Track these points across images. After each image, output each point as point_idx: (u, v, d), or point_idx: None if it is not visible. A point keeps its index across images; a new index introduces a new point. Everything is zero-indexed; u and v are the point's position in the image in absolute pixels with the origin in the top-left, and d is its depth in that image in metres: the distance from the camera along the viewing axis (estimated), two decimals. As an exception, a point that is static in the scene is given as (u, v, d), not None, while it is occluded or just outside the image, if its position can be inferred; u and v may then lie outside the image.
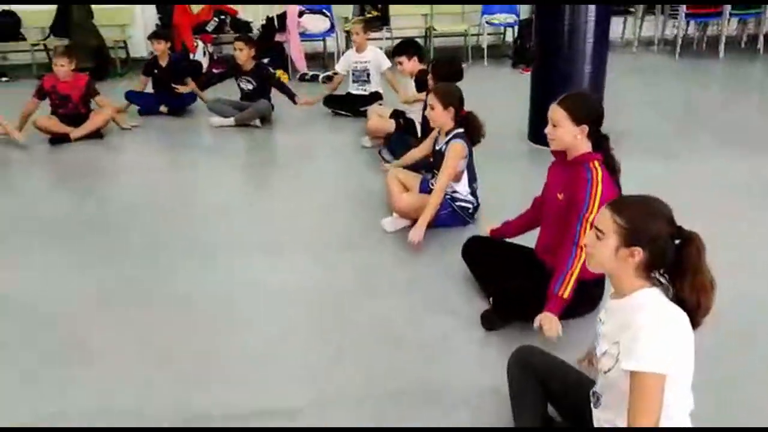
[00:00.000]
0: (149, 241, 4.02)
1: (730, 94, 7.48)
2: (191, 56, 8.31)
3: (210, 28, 8.66)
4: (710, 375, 2.18)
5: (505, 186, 4.61)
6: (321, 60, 8.88)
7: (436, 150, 4.04)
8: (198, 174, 5.31)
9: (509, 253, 3.27)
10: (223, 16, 8.71)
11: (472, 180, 4.01)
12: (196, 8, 8.77)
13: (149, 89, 6.89)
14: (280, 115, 6.50)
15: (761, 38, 9.03)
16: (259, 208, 4.53)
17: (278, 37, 8.44)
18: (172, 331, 3.07)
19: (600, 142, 2.87)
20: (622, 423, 1.82)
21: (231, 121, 6.27)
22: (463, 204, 3.98)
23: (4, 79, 8.68)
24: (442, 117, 3.90)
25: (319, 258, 3.74)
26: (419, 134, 5.11)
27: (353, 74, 6.56)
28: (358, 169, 5.22)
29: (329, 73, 7.82)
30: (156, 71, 6.75)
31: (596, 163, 2.80)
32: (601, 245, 1.89)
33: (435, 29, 8.93)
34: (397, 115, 5.62)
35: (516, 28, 8.89)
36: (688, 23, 9.27)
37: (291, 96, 6.27)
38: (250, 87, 6.37)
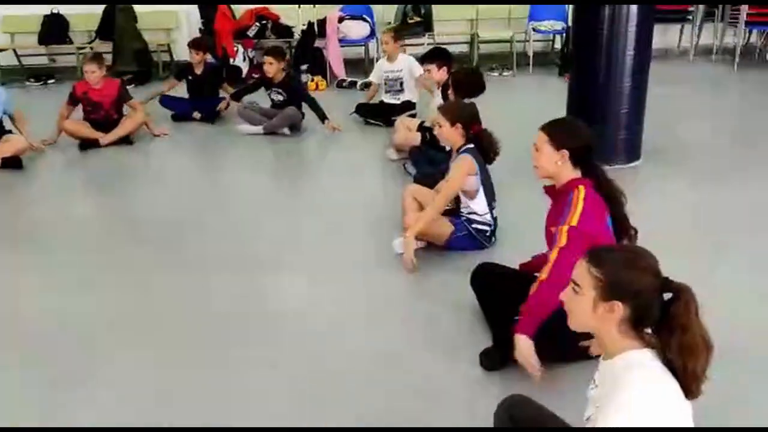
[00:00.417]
0: (170, 255, 3.94)
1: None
2: (231, 61, 8.28)
3: (251, 33, 8.59)
4: None
5: (535, 207, 4.33)
6: (361, 66, 8.72)
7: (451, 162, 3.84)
8: (222, 184, 5.24)
9: (520, 282, 3.02)
10: (264, 21, 8.63)
11: (490, 200, 3.78)
12: (238, 13, 8.77)
13: (183, 94, 6.87)
14: (310, 122, 6.37)
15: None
16: (273, 222, 4.38)
17: (317, 43, 8.33)
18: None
19: (591, 170, 2.71)
20: None
21: (259, 129, 6.18)
22: (480, 226, 3.75)
23: (51, 81, 8.83)
24: (450, 134, 3.73)
25: (324, 280, 3.57)
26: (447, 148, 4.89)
27: (386, 84, 6.42)
28: (383, 182, 5.05)
29: (368, 80, 7.65)
30: (190, 77, 6.72)
31: (581, 187, 2.64)
32: (578, 300, 1.71)
33: (479, 35, 8.67)
34: (423, 128, 5.41)
35: (564, 35, 8.55)
36: (750, 31, 8.75)
37: (321, 116, 6.12)
38: (281, 98, 6.26)
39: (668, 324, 1.62)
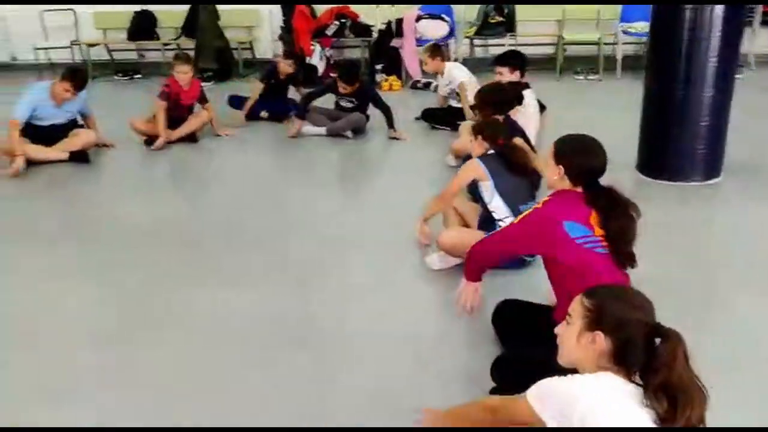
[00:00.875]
0: (228, 258, 3.85)
1: None
2: (307, 60, 8.24)
3: (330, 32, 8.54)
4: None
5: None
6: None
7: None
8: (280, 185, 5.14)
9: (548, 321, 2.73)
10: (343, 20, 8.56)
11: (514, 209, 3.47)
12: (319, 11, 8.73)
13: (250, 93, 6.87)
14: (374, 124, 6.22)
15: None
16: (318, 228, 4.24)
17: (394, 42, 8.16)
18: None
19: (593, 190, 2.51)
20: None
21: (323, 130, 6.08)
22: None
23: (137, 76, 9.09)
24: (475, 149, 3.68)
25: (353, 295, 3.40)
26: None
27: (448, 94, 6.25)
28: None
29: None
30: (273, 81, 6.69)
31: (546, 199, 2.57)
32: (567, 330, 1.77)
33: (564, 38, 8.25)
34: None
35: (657, 37, 8.01)
36: None
37: (390, 123, 5.99)
38: (350, 105, 6.15)
39: (652, 366, 1.59)
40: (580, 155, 2.53)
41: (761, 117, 6.23)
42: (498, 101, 4.25)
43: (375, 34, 8.46)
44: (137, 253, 3.93)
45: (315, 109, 6.29)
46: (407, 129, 6.22)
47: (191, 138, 6.05)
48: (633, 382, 1.64)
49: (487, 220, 3.59)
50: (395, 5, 8.37)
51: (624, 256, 2.47)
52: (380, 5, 8.45)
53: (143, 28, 9.07)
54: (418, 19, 8.09)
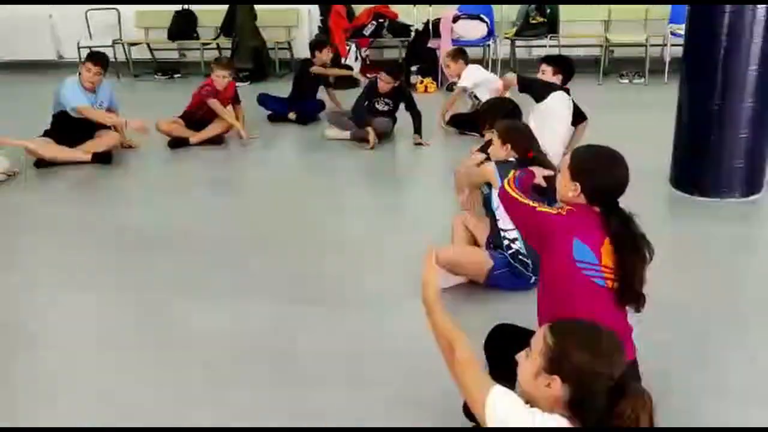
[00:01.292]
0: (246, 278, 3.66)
1: None
2: (342, 61, 8.11)
3: (367, 31, 8.40)
4: None
5: None
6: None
7: None
8: (300, 192, 4.98)
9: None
10: (381, 20, 8.41)
11: None
12: (358, 11, 8.61)
13: (284, 93, 6.79)
14: (402, 128, 6.04)
15: None
16: (327, 237, 4.10)
17: (431, 43, 7.96)
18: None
19: (611, 213, 2.23)
20: None
21: (347, 134, 5.94)
22: (523, 255, 3.27)
23: (177, 75, 9.13)
24: (496, 152, 3.44)
25: (342, 316, 3.24)
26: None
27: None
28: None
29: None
30: (304, 78, 6.62)
31: (568, 208, 2.28)
32: (525, 363, 1.69)
33: (609, 40, 7.90)
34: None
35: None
36: None
37: (417, 128, 5.85)
38: (386, 108, 5.99)
39: (611, 422, 1.51)
40: (601, 173, 2.26)
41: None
42: (491, 115, 3.98)
43: (413, 35, 8.27)
44: (138, 259, 3.87)
45: (340, 112, 6.16)
46: (435, 133, 6.04)
47: (216, 140, 5.99)
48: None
49: (496, 237, 3.40)
50: (432, 5, 8.15)
51: (633, 297, 2.22)
52: (417, 5, 8.25)
53: (184, 27, 9.10)
54: (456, 19, 7.85)
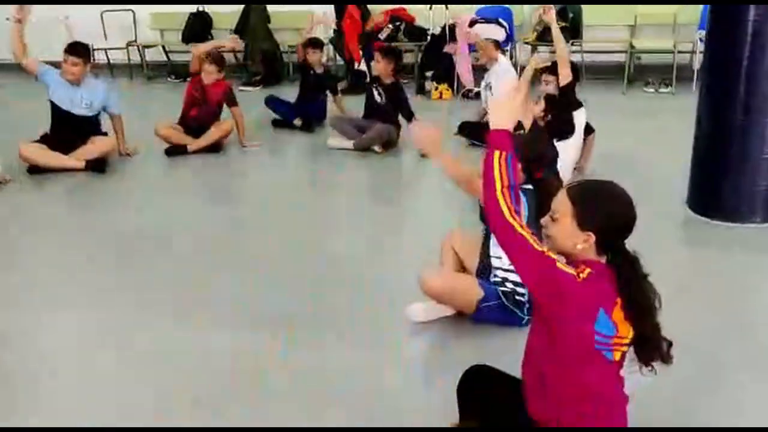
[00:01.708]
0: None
1: None
2: (356, 66, 7.88)
3: (383, 35, 8.14)
4: None
5: None
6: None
7: None
8: (297, 206, 4.70)
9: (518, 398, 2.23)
10: (398, 23, 8.15)
11: None
12: (375, 13, 8.37)
13: (292, 97, 6.59)
14: (407, 137, 5.77)
15: None
16: (316, 257, 3.84)
17: (447, 48, 7.65)
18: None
19: (620, 258, 1.90)
20: None
21: (350, 144, 5.69)
22: (519, 295, 2.96)
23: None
24: None
25: (326, 349, 2.99)
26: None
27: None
28: (461, 217, 4.29)
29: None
30: (311, 72, 6.45)
31: (587, 270, 1.85)
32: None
33: (634, 47, 7.53)
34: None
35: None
36: None
37: (408, 118, 5.66)
38: (379, 100, 5.77)
39: None
40: (616, 214, 1.90)
41: None
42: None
43: (429, 39, 8.01)
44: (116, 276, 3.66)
45: (343, 119, 5.93)
46: (445, 143, 5.74)
47: (214, 147, 5.79)
48: None
49: (485, 269, 3.12)
50: (449, 7, 7.86)
51: (655, 353, 1.92)
52: (433, 5, 7.97)
53: (197, 30, 8.94)
54: (472, 23, 7.52)
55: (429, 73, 7.68)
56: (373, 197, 5.07)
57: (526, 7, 8.08)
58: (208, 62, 5.77)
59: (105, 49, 9.15)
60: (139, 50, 9.11)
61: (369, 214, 4.58)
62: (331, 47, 8.27)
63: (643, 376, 1.92)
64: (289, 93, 6.91)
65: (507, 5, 7.90)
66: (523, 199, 2.81)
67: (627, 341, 1.90)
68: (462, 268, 3.29)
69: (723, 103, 3.88)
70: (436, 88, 7.52)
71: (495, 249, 3.05)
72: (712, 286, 3.40)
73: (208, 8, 8.97)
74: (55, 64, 5.47)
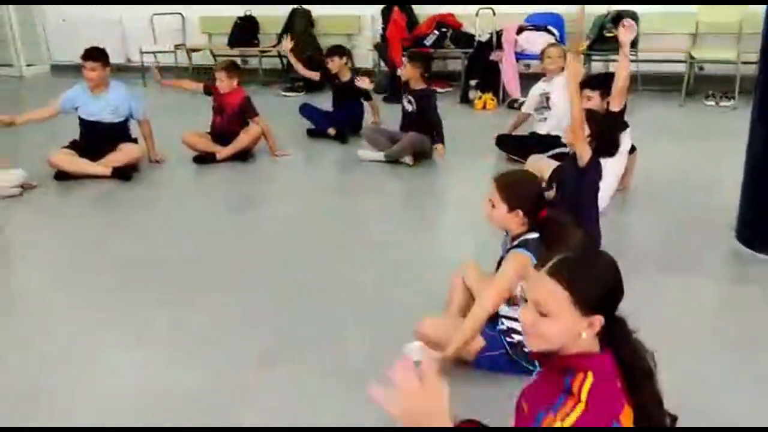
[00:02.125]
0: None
1: None
2: (397, 72, 7.63)
3: (428, 41, 7.88)
4: None
5: (671, 312, 3.13)
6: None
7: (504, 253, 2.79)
8: (318, 223, 4.49)
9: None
10: (444, 29, 7.88)
11: None
12: (422, 19, 8.14)
13: (328, 106, 6.42)
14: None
15: None
16: (336, 278, 3.64)
17: (493, 56, 7.36)
18: None
19: (612, 331, 1.60)
20: None
21: (380, 155, 5.47)
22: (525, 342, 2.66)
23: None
24: (505, 220, 2.68)
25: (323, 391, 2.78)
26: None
27: (536, 111, 5.39)
28: (486, 241, 4.00)
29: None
30: (335, 86, 6.30)
31: (589, 374, 1.54)
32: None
33: (694, 57, 7.05)
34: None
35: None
36: None
37: (438, 138, 5.47)
38: (410, 109, 5.55)
39: None
40: (617, 293, 1.61)
41: None
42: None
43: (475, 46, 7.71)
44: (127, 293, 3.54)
45: (377, 129, 5.72)
46: (479, 151, 5.50)
47: (242, 155, 5.66)
48: None
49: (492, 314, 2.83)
50: (496, 13, 7.56)
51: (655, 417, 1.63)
52: (480, 12, 7.68)
53: (244, 34, 8.87)
54: (521, 30, 7.22)
55: (473, 82, 7.37)
56: (401, 214, 4.81)
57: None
58: (218, 69, 5.69)
59: (154, 52, 9.22)
60: (186, 53, 9.12)
61: (389, 234, 4.33)
62: (375, 53, 8.09)
63: None
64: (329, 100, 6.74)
65: (558, 12, 7.51)
66: (529, 257, 2.55)
67: None
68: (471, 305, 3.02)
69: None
70: (480, 97, 7.22)
71: (506, 309, 2.77)
72: (749, 327, 3.03)
73: (256, 12, 8.90)
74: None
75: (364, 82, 6.03)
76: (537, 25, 7.24)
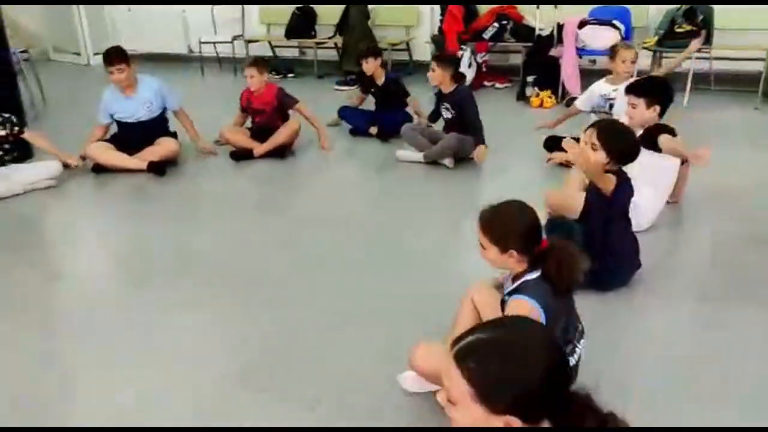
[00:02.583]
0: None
1: None
2: (428, 79, 7.34)
3: (487, 34, 7.56)
4: None
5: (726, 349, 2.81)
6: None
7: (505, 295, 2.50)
8: (358, 218, 4.39)
9: None
10: (504, 21, 7.52)
11: (562, 342, 2.39)
12: (483, 11, 7.81)
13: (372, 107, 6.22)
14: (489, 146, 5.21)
15: None
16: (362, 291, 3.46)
17: (553, 51, 6.97)
18: None
19: None
20: None
21: (419, 156, 5.22)
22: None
23: (290, 75, 8.82)
24: (500, 261, 2.39)
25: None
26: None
27: (594, 112, 5.02)
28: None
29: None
30: (373, 89, 6.05)
31: None
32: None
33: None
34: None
35: None
36: None
37: (479, 140, 5.14)
38: (449, 116, 5.26)
39: None
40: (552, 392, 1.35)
41: None
42: (625, 151, 3.17)
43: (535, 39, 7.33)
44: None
45: (417, 129, 5.45)
46: (523, 155, 5.18)
47: (280, 152, 5.51)
48: None
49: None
50: (557, 6, 7.15)
51: None
52: (540, 5, 7.29)
53: (302, 25, 8.75)
54: (582, 24, 6.79)
55: (531, 78, 7.00)
56: (436, 218, 4.54)
57: (653, 8, 7.18)
58: (248, 65, 5.51)
59: (213, 43, 9.22)
60: (245, 44, 9.07)
61: (424, 238, 4.09)
62: (433, 46, 7.81)
63: None
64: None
65: (627, 5, 7.03)
66: (531, 304, 2.23)
67: None
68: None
69: None
70: (538, 95, 6.84)
71: None
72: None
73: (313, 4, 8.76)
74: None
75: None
76: (600, 19, 6.79)
